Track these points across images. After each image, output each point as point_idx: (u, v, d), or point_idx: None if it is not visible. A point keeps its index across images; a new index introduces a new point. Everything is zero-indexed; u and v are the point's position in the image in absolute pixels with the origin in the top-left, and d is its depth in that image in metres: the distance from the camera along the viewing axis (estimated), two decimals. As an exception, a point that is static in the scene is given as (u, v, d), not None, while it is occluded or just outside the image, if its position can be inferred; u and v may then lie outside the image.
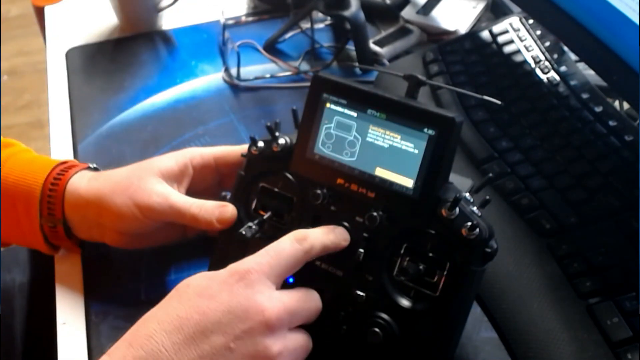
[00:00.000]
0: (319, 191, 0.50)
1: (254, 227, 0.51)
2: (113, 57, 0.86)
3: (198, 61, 0.84)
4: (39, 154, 0.62)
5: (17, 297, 0.75)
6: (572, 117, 0.65)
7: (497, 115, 0.66)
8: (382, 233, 0.48)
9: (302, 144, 0.51)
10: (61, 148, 0.74)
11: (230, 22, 0.89)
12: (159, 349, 0.40)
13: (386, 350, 0.48)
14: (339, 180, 0.50)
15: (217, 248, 0.54)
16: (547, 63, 0.71)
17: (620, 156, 0.60)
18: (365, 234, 0.49)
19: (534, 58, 0.72)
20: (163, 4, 0.88)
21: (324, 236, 0.48)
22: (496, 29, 0.76)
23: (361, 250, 0.49)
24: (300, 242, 0.46)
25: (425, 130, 0.47)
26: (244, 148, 0.55)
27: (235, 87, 0.79)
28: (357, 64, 0.81)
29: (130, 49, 0.87)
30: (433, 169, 0.47)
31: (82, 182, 0.57)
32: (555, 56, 0.71)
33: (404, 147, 0.47)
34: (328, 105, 0.50)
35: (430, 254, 0.47)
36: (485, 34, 0.76)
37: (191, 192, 0.57)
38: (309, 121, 0.50)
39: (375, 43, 0.81)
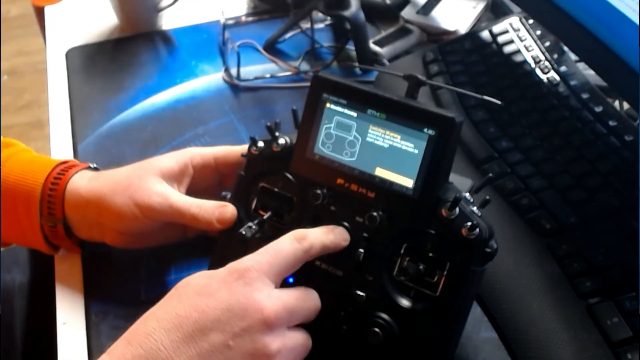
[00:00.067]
0: (319, 191, 0.50)
1: (254, 227, 0.51)
2: (113, 57, 0.86)
3: (198, 61, 0.84)
4: (39, 154, 0.63)
5: (17, 297, 0.75)
6: (572, 117, 0.65)
7: (497, 115, 0.66)
8: (382, 233, 0.48)
9: (302, 144, 0.51)
10: (61, 148, 0.74)
11: (230, 22, 0.89)
12: (157, 347, 0.40)
13: (386, 350, 0.48)
14: (339, 180, 0.50)
15: (217, 248, 0.54)
16: (547, 63, 0.71)
17: (620, 156, 0.60)
18: (365, 234, 0.49)
19: (534, 58, 0.72)
20: (163, 4, 0.88)
21: (323, 236, 0.48)
22: (496, 29, 0.76)
23: (361, 250, 0.49)
24: (300, 241, 0.46)
25: (425, 130, 0.47)
26: (244, 148, 0.55)
27: (235, 87, 0.79)
28: (357, 64, 0.81)
29: (130, 49, 0.87)
30: (433, 169, 0.47)
31: (83, 182, 0.57)
32: (555, 56, 0.71)
33: (404, 147, 0.47)
34: (328, 105, 0.50)
35: (430, 254, 0.47)
36: (485, 34, 0.76)
37: (191, 191, 0.57)
38: (309, 121, 0.50)
39: (375, 43, 0.81)
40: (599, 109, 0.65)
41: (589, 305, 0.51)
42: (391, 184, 0.48)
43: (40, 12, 1.05)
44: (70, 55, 0.86)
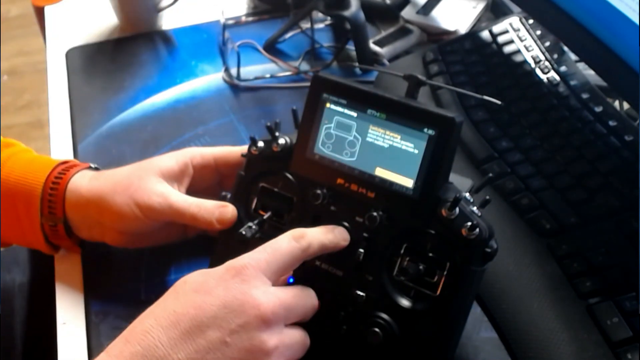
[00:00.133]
0: (319, 191, 0.50)
1: (254, 227, 0.51)
2: (113, 57, 0.86)
3: (198, 61, 0.84)
4: (39, 154, 0.63)
5: (17, 297, 0.75)
6: (572, 117, 0.65)
7: (497, 115, 0.66)
8: (382, 233, 0.48)
9: (302, 144, 0.51)
10: (61, 148, 0.74)
11: (230, 22, 0.89)
12: (155, 344, 0.41)
13: (386, 350, 0.48)
14: (339, 180, 0.50)
15: (217, 248, 0.54)
16: (547, 63, 0.71)
17: (620, 156, 0.60)
18: (365, 234, 0.49)
19: (534, 58, 0.72)
20: (163, 4, 0.88)
21: (322, 235, 0.48)
22: (496, 29, 0.76)
23: (361, 250, 0.49)
24: (298, 240, 0.46)
25: (425, 130, 0.47)
26: (244, 148, 0.55)
27: (235, 87, 0.79)
28: (357, 64, 0.81)
29: (130, 49, 0.87)
30: (433, 169, 0.47)
31: (83, 182, 0.57)
32: (555, 56, 0.71)
33: (404, 147, 0.47)
34: (328, 105, 0.50)
35: (430, 254, 0.47)
36: (485, 34, 0.76)
37: (191, 191, 0.57)
38: (309, 121, 0.50)
39: (375, 43, 0.81)
40: (599, 109, 0.65)
41: (589, 305, 0.51)
42: (391, 184, 0.48)
43: (40, 12, 1.05)
44: (70, 55, 0.86)
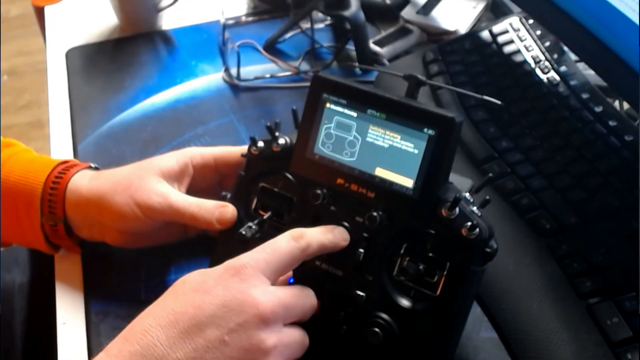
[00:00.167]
0: (319, 191, 0.50)
1: (254, 227, 0.51)
2: (113, 57, 0.86)
3: (198, 61, 0.84)
4: (39, 154, 0.63)
5: (17, 297, 0.75)
6: (572, 117, 0.65)
7: (497, 115, 0.66)
8: (382, 233, 0.48)
9: (302, 144, 0.51)
10: (61, 148, 0.74)
11: (230, 22, 0.89)
12: (154, 343, 0.41)
13: (386, 350, 0.48)
14: (339, 180, 0.50)
15: (217, 248, 0.54)
16: (547, 63, 0.71)
17: (620, 156, 0.60)
18: (365, 234, 0.49)
19: (534, 58, 0.72)
20: (163, 4, 0.88)
21: (321, 235, 0.48)
22: (496, 29, 0.76)
23: (361, 250, 0.49)
24: (297, 239, 0.46)
25: (425, 130, 0.47)
26: (244, 148, 0.55)
27: (235, 87, 0.79)
28: (357, 64, 0.81)
29: (130, 49, 0.87)
30: (433, 169, 0.47)
31: (84, 181, 0.57)
32: (555, 56, 0.71)
33: (404, 147, 0.47)
34: (328, 105, 0.50)
35: (430, 254, 0.47)
36: (485, 34, 0.76)
37: (192, 191, 0.57)
38: (309, 121, 0.50)
39: (375, 43, 0.81)
40: (599, 109, 0.65)
41: (589, 305, 0.51)
42: (391, 184, 0.48)
43: (40, 12, 1.05)
44: (70, 55, 0.86)
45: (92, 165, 0.61)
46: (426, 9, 0.86)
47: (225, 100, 0.78)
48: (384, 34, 0.84)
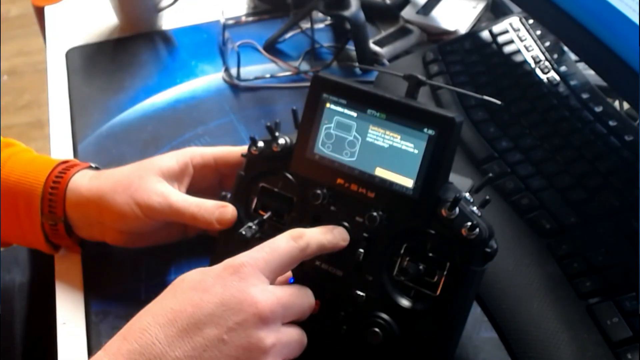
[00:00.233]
0: (319, 191, 0.50)
1: (254, 227, 0.51)
2: (113, 57, 0.86)
3: (198, 61, 0.84)
4: (39, 154, 0.63)
5: (17, 297, 0.75)
6: (572, 117, 0.65)
7: (497, 115, 0.66)
8: (382, 233, 0.48)
9: (302, 144, 0.51)
10: (61, 148, 0.74)
11: (230, 22, 0.89)
12: (152, 341, 0.40)
13: (386, 350, 0.48)
14: (339, 180, 0.50)
15: (217, 248, 0.54)
16: (547, 63, 0.71)
17: (620, 156, 0.60)
18: (365, 234, 0.49)
19: (534, 58, 0.72)
20: (163, 4, 0.88)
21: (320, 235, 0.48)
22: (496, 29, 0.76)
23: (361, 250, 0.49)
24: (296, 239, 0.46)
25: (425, 130, 0.47)
26: (244, 148, 0.55)
27: (235, 87, 0.79)
28: (357, 64, 0.81)
29: (130, 49, 0.87)
30: (433, 169, 0.47)
31: (84, 181, 0.57)
32: (555, 56, 0.71)
33: (404, 147, 0.47)
34: (328, 105, 0.50)
35: (430, 254, 0.47)
36: (485, 34, 0.76)
37: (192, 191, 0.57)
38: (309, 121, 0.50)
39: (375, 43, 0.81)
40: (599, 109, 0.65)
41: (589, 305, 0.51)
42: (391, 184, 0.48)
43: (40, 12, 1.05)
44: (70, 55, 0.86)
45: (92, 165, 0.61)
46: (426, 9, 0.86)
47: (225, 100, 0.78)
48: (384, 34, 0.84)
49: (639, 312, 0.50)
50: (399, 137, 0.48)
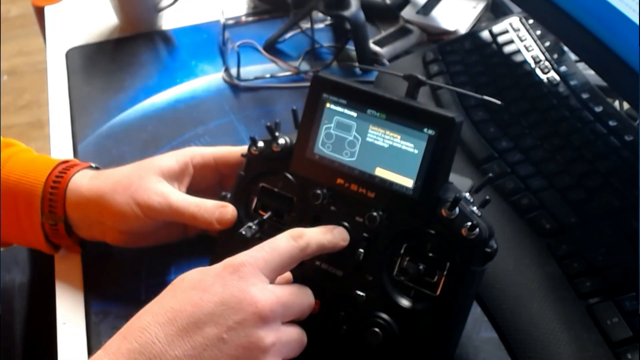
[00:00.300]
0: (319, 191, 0.50)
1: (254, 227, 0.51)
2: (113, 57, 0.86)
3: (198, 61, 0.84)
4: (39, 153, 0.63)
5: (17, 297, 0.75)
6: (572, 117, 0.65)
7: (497, 115, 0.66)
8: (382, 233, 0.48)
9: (302, 144, 0.51)
10: (61, 148, 0.74)
11: (230, 22, 0.89)
12: (152, 340, 0.40)
13: (386, 350, 0.48)
14: (339, 180, 0.50)
15: (217, 248, 0.54)
16: (547, 63, 0.71)
17: (620, 156, 0.60)
18: (365, 234, 0.49)
19: (534, 58, 0.72)
20: (163, 4, 0.88)
21: (320, 235, 0.48)
22: (496, 29, 0.76)
23: (361, 250, 0.49)
24: (296, 239, 0.46)
25: (425, 130, 0.47)
26: (244, 148, 0.55)
27: (235, 87, 0.79)
28: (357, 64, 0.81)
29: (130, 49, 0.87)
30: (433, 169, 0.47)
31: (84, 181, 0.57)
32: (555, 56, 0.71)
33: (404, 147, 0.47)
34: (328, 105, 0.50)
35: (430, 254, 0.47)
36: (485, 34, 0.76)
37: (192, 191, 0.57)
38: (309, 121, 0.50)
39: (375, 43, 0.81)
40: (599, 109, 0.65)
41: (589, 305, 0.51)
42: (391, 184, 0.48)
43: (40, 12, 1.05)
44: (70, 55, 0.86)
45: (93, 165, 0.61)
46: (426, 9, 0.86)
47: (225, 100, 0.78)
48: (384, 34, 0.84)
49: (639, 312, 0.50)
50: (399, 137, 0.48)
